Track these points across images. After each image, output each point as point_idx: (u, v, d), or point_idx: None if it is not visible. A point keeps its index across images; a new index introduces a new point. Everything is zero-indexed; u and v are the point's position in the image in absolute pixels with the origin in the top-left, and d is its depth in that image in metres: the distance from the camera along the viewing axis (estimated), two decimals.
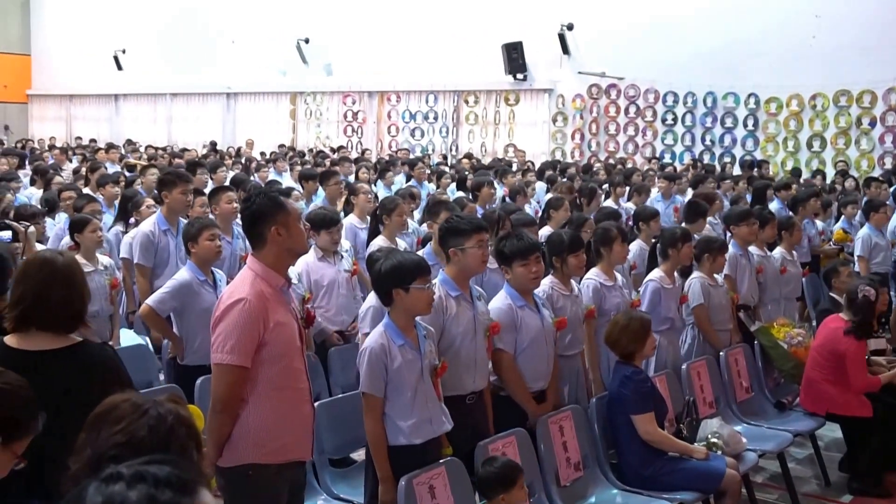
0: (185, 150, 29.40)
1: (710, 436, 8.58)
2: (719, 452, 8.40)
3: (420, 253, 8.88)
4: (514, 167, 23.85)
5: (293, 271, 9.21)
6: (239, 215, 11.33)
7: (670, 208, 17.32)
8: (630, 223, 13.90)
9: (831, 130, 26.16)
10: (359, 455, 7.91)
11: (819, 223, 16.04)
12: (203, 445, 3.64)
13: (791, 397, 10.57)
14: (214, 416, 5.73)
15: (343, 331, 10.19)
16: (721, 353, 10.33)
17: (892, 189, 17.98)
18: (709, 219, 13.99)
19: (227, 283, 8.90)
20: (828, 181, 22.24)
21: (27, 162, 24.88)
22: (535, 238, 9.17)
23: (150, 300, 8.94)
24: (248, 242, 10.90)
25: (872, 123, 25.55)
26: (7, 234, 8.69)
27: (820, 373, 9.93)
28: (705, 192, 16.49)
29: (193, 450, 3.39)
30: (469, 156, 28.53)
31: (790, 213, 14.65)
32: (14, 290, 5.31)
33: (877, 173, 22.47)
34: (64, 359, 5.12)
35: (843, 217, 16.51)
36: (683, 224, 12.96)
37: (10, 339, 5.17)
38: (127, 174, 18.24)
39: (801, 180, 22.06)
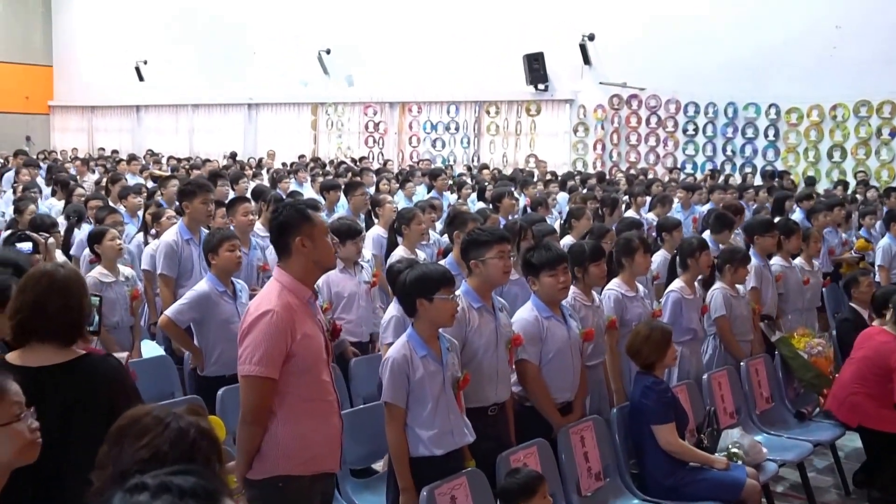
0: (207, 160, 29.51)
1: (730, 446, 8.58)
2: (740, 462, 8.40)
3: (442, 263, 8.87)
4: (536, 177, 23.86)
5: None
6: (255, 226, 11.48)
7: (689, 219, 17.30)
8: (653, 233, 13.89)
9: (852, 141, 26.12)
10: (380, 466, 7.91)
11: (842, 234, 16.00)
12: (224, 457, 3.59)
13: (811, 407, 10.56)
14: (244, 428, 5.74)
15: (362, 342, 10.20)
16: (742, 364, 10.32)
17: None
18: None
19: (248, 293, 9.00)
20: (849, 191, 22.15)
21: (46, 172, 24.95)
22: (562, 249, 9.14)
23: (169, 311, 8.96)
24: (266, 253, 11.05)
25: (892, 134, 25.50)
26: (28, 246, 8.59)
27: (862, 385, 9.78)
28: (732, 203, 16.45)
29: (216, 462, 3.40)
30: (486, 166, 28.52)
31: (810, 223, 14.61)
32: (14, 301, 5.25)
33: None
34: (66, 374, 5.09)
35: (863, 227, 16.48)
36: (707, 234, 12.99)
37: (11, 357, 5.13)
38: (150, 185, 18.25)
39: (823, 190, 22.04)
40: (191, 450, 3.33)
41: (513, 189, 17.16)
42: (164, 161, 30.66)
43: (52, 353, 5.11)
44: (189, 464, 3.12)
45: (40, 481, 4.71)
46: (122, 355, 5.92)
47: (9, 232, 10.82)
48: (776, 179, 24.42)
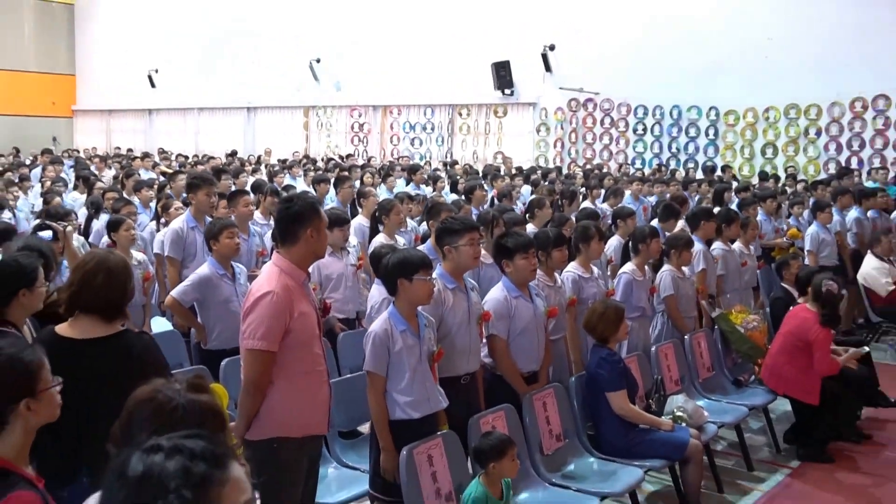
0: (210, 158, 29.62)
1: (675, 410, 8.62)
2: (684, 424, 8.44)
3: (421, 248, 8.86)
4: (503, 172, 23.87)
5: None
6: (254, 215, 11.47)
7: (640, 208, 17.32)
8: (608, 221, 13.91)
9: (782, 139, 26.20)
10: (364, 428, 7.89)
11: (774, 222, 16.04)
12: (227, 423, 3.60)
13: (747, 375, 10.72)
14: (246, 396, 5.77)
15: (349, 318, 10.19)
16: (686, 337, 10.41)
17: (832, 191, 17.95)
18: None
19: (246, 276, 9.00)
20: (780, 184, 22.22)
21: (74, 167, 24.99)
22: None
23: (174, 292, 9.04)
24: (263, 239, 11.01)
25: (818, 133, 25.58)
26: (48, 234, 8.79)
27: (786, 357, 9.96)
28: (678, 195, 16.49)
29: (220, 432, 3.39)
30: (456, 162, 28.93)
31: (746, 212, 14.64)
32: (69, 278, 5.53)
33: (822, 177, 22.46)
34: (106, 346, 5.18)
35: (792, 216, 16.53)
36: (656, 222, 13.01)
37: (60, 328, 5.27)
38: (161, 179, 18.20)
39: (757, 184, 22.10)
40: (198, 426, 3.26)
41: (483, 182, 17.13)
42: (172, 158, 30.57)
43: (95, 327, 5.25)
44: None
45: (78, 443, 4.72)
46: None
47: (37, 221, 10.85)
48: (718, 173, 24.60)
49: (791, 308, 10.45)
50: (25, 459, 3.82)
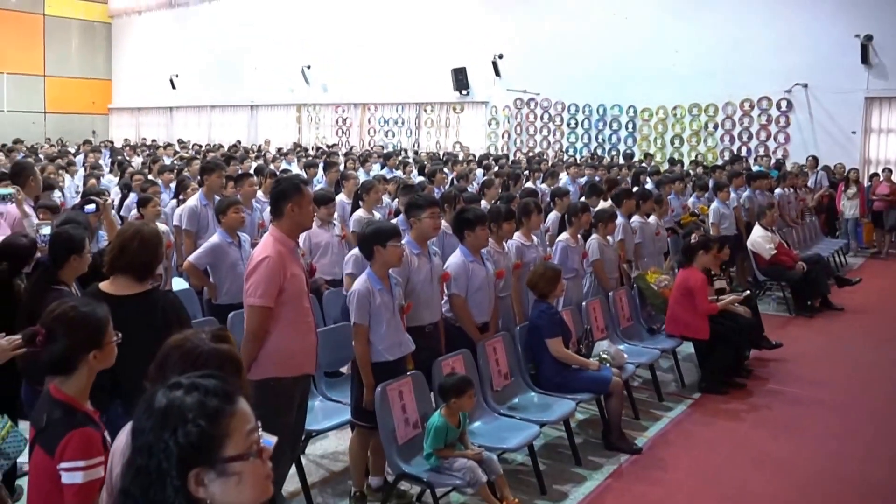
0: (220, 146, 29.60)
1: (601, 353, 8.64)
2: (608, 365, 8.46)
3: (393, 222, 8.86)
4: (461, 158, 23.88)
5: None
6: (257, 194, 11.48)
7: (576, 188, 17.29)
8: (547, 199, 13.90)
9: (687, 132, 26.31)
10: (345, 369, 7.86)
11: (681, 199, 16.10)
12: (244, 368, 3.64)
13: (658, 325, 10.81)
14: (248, 344, 5.77)
15: (335, 279, 10.12)
16: (610, 294, 10.46)
17: (727, 173, 18.10)
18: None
19: (250, 243, 8.96)
20: (684, 169, 22.36)
21: (110, 155, 25.09)
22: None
23: (191, 257, 9.06)
24: (264, 214, 10.98)
25: (715, 127, 25.76)
26: (92, 206, 8.90)
27: (678, 305, 10.29)
28: (612, 178, 16.50)
29: (236, 373, 3.41)
30: (416, 152, 29.24)
31: (659, 191, 14.70)
32: (111, 244, 5.70)
33: (719, 163, 22.61)
34: (139, 302, 5.25)
35: (694, 194, 16.59)
36: (583, 199, 13.01)
37: (103, 286, 5.37)
38: (178, 164, 18.09)
39: (666, 169, 22.17)
40: (218, 369, 3.26)
41: (443, 167, 17.09)
42: (189, 147, 30.47)
43: (130, 285, 5.33)
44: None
45: (115, 380, 4.72)
46: None
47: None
48: (638, 159, 24.82)
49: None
50: (86, 397, 3.88)
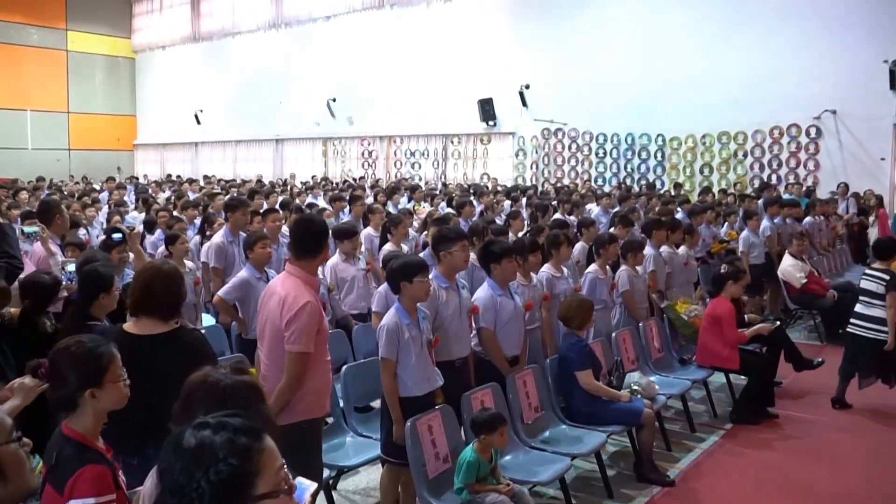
0: (245, 181, 29.66)
1: (632, 384, 8.66)
2: (639, 396, 8.49)
3: (421, 255, 8.91)
4: (489, 188, 23.94)
5: (319, 269, 9.36)
6: (282, 229, 11.51)
7: (607, 218, 17.27)
8: (575, 230, 13.93)
9: (716, 161, 26.28)
10: (376, 404, 7.91)
11: (713, 228, 16.11)
12: (266, 396, 3.68)
13: (689, 355, 10.78)
14: (287, 391, 5.67)
15: (362, 313, 10.20)
16: (640, 324, 10.46)
17: (760, 202, 18.05)
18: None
19: None
20: (715, 198, 22.33)
21: (135, 191, 25.23)
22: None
23: (220, 292, 9.14)
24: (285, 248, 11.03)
25: (745, 155, 25.70)
26: (118, 235, 9.20)
27: (707, 335, 10.33)
28: (667, 210, 16.48)
29: (260, 403, 3.46)
30: (444, 184, 29.34)
31: (690, 221, 14.74)
32: (132, 286, 5.57)
33: (748, 192, 22.58)
34: (164, 342, 5.20)
35: (726, 223, 16.59)
36: (612, 230, 13.05)
37: (127, 326, 5.33)
38: (205, 200, 18.20)
39: (697, 198, 22.13)
40: (244, 399, 3.36)
41: (472, 199, 17.16)
42: (215, 182, 30.62)
43: (155, 325, 5.26)
44: (243, 408, 3.18)
45: (146, 420, 4.77)
46: None
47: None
48: (665, 189, 24.74)
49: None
50: (97, 435, 3.88)
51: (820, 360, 11.29)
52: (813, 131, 24.37)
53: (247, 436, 2.36)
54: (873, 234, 20.38)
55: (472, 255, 9.23)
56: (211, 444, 2.30)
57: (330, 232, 6.08)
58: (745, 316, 11.06)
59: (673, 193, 23.09)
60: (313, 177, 32.06)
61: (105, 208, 19.24)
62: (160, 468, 2.36)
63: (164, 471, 2.33)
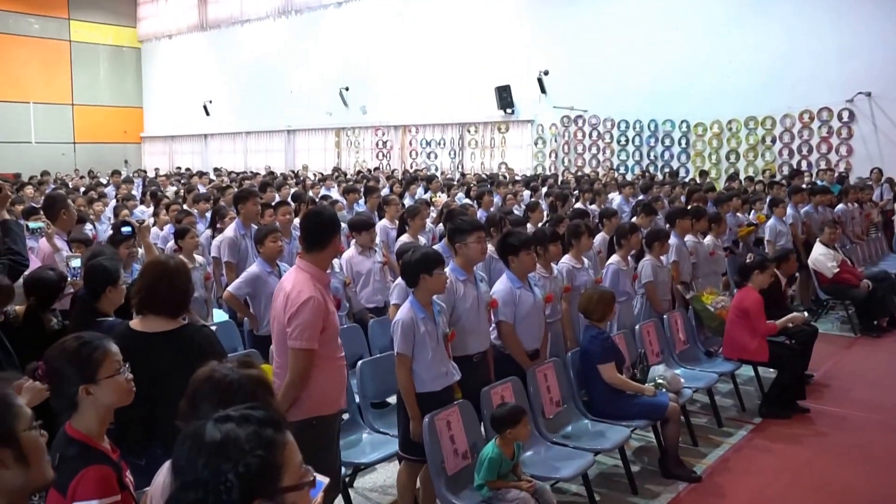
0: (256, 174, 29.69)
1: (657, 378, 8.67)
2: (664, 390, 8.50)
3: (436, 247, 8.94)
4: (507, 179, 23.96)
5: (336, 262, 9.43)
6: (294, 222, 11.55)
7: (629, 207, 17.29)
8: (596, 220, 13.95)
9: (743, 147, 26.26)
10: (392, 399, 7.95)
11: (739, 215, 16.11)
12: (274, 391, 3.71)
13: (716, 347, 10.80)
14: (292, 388, 5.71)
15: (378, 307, 10.27)
16: (664, 316, 10.50)
17: (788, 189, 18.01)
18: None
19: None
20: (742, 185, 22.30)
21: (142, 185, 25.30)
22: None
23: (231, 288, 9.20)
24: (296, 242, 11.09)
25: (773, 141, 25.67)
26: (128, 229, 9.23)
27: (734, 327, 10.33)
28: (653, 196, 16.56)
29: (269, 398, 3.49)
30: (462, 174, 29.24)
31: (716, 210, 14.75)
32: (137, 283, 5.50)
33: (777, 178, 22.55)
34: (172, 339, 5.21)
35: (753, 211, 16.61)
36: (634, 219, 13.09)
37: (133, 324, 5.33)
38: (216, 193, 18.24)
39: (723, 186, 22.09)
40: (251, 394, 3.40)
41: (491, 189, 17.18)
42: (225, 175, 30.68)
43: (162, 323, 5.26)
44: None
45: (150, 419, 4.83)
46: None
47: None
48: (691, 177, 24.68)
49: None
50: (101, 435, 3.89)
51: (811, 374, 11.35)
52: (846, 115, 24.25)
53: (272, 428, 2.39)
54: None
55: (490, 247, 9.26)
56: (237, 437, 2.32)
57: (342, 224, 6.06)
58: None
59: (698, 181, 23.05)
60: (334, 169, 32.18)
61: (112, 203, 19.29)
62: (177, 464, 2.38)
63: (184, 466, 2.34)
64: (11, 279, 6.70)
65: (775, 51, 24.54)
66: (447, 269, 7.16)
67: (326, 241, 5.98)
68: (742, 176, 24.78)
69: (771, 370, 10.42)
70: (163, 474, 3.52)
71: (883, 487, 8.12)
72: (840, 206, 17.74)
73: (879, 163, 23.15)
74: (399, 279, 8.18)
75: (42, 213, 9.65)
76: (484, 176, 27.10)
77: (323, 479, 2.51)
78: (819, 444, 9.23)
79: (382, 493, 7.86)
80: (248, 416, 2.39)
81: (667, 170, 27.30)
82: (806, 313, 11.13)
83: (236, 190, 15.26)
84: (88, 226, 12.79)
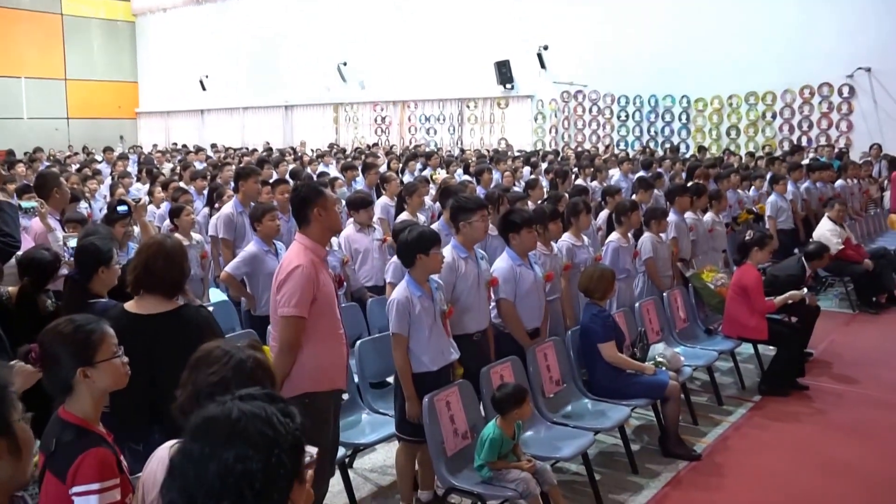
0: (254, 150, 29.67)
1: (657, 356, 8.71)
2: (664, 368, 8.54)
3: (434, 225, 8.93)
4: (509, 155, 23.96)
5: (334, 240, 9.40)
6: None
7: (628, 183, 17.29)
8: (597, 197, 13.95)
9: (744, 122, 26.30)
10: (391, 379, 7.94)
11: (739, 191, 16.12)
12: (276, 379, 3.66)
13: (716, 325, 10.85)
14: (281, 357, 5.72)
15: (377, 285, 10.21)
16: (664, 294, 10.52)
17: (787, 166, 17.99)
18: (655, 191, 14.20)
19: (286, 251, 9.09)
20: (742, 161, 22.36)
21: (137, 162, 25.15)
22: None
23: (228, 268, 9.16)
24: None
25: (774, 116, 25.73)
26: (124, 208, 9.21)
27: (733, 304, 10.34)
28: (655, 173, 16.57)
29: (269, 384, 3.44)
30: (461, 150, 29.15)
31: (717, 186, 14.77)
32: (133, 262, 5.48)
33: (777, 154, 22.59)
34: (168, 320, 5.20)
35: (752, 187, 16.63)
36: (634, 195, 13.10)
37: (128, 305, 5.30)
38: (212, 170, 18.16)
39: (723, 162, 22.08)
40: (250, 376, 3.40)
41: (490, 166, 17.14)
42: (222, 150, 30.60)
43: (158, 303, 5.26)
44: (247, 385, 3.21)
45: (151, 402, 4.81)
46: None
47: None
48: (701, 153, 24.68)
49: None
50: (97, 419, 3.85)
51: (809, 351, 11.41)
52: (846, 90, 24.30)
53: (275, 404, 2.38)
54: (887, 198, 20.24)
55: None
56: (280, 422, 2.32)
57: (324, 197, 5.98)
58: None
59: (698, 157, 23.01)
60: (332, 145, 32.17)
61: (108, 180, 19.19)
62: (191, 455, 2.28)
63: (205, 457, 2.24)
64: (2, 261, 6.65)
65: (776, 26, 24.51)
66: (449, 247, 7.22)
67: (308, 215, 5.99)
68: (742, 152, 24.85)
69: (771, 348, 10.42)
70: (155, 461, 3.50)
71: (881, 464, 8.13)
72: (839, 181, 17.77)
73: (879, 139, 23.22)
74: (395, 257, 8.19)
75: (34, 191, 9.54)
76: (484, 152, 27.07)
77: (312, 449, 2.48)
78: (818, 422, 9.27)
79: (382, 474, 7.87)
80: (252, 395, 2.40)
81: (667, 145, 27.32)
82: (806, 290, 11.15)
83: (234, 167, 15.21)
84: (83, 204, 12.73)
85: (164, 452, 3.43)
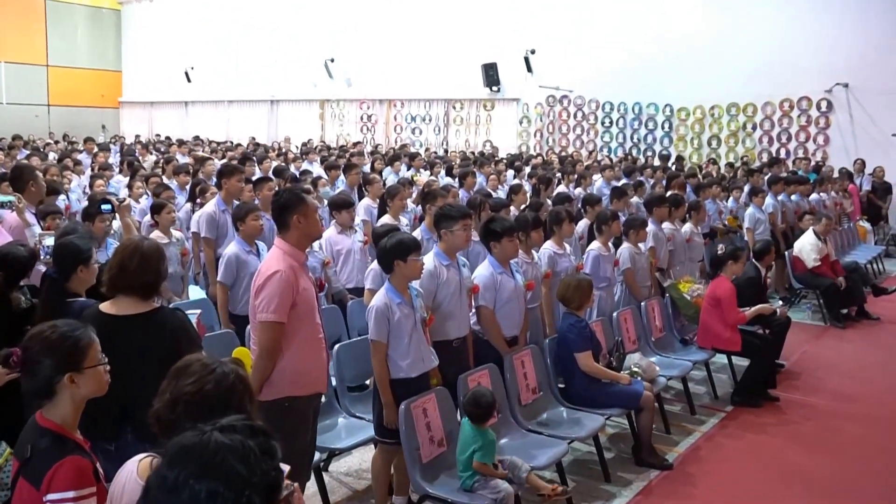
0: (238, 144, 29.59)
1: (632, 366, 8.78)
2: (639, 378, 8.60)
3: (416, 230, 8.96)
4: (495, 158, 23.95)
5: (315, 242, 9.36)
6: None
7: (610, 190, 17.30)
8: (578, 205, 13.98)
9: (725, 133, 26.45)
10: (370, 382, 7.97)
11: (719, 202, 16.22)
12: (255, 394, 3.64)
13: (691, 335, 10.94)
14: (261, 362, 5.74)
15: (357, 287, 10.14)
16: (642, 303, 10.59)
17: (767, 177, 18.07)
18: (634, 199, 14.27)
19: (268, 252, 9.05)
20: (721, 171, 22.51)
21: (119, 153, 24.85)
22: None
23: (220, 278, 9.00)
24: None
25: (754, 128, 25.90)
26: (108, 206, 9.03)
27: (708, 316, 10.48)
28: (680, 183, 16.56)
29: (247, 402, 3.44)
30: (445, 151, 29.44)
31: (696, 197, 14.84)
32: (109, 262, 5.46)
33: (756, 166, 22.69)
34: (143, 322, 5.15)
35: (731, 198, 16.74)
36: (612, 203, 13.19)
37: (104, 306, 5.24)
38: (194, 165, 18.06)
39: (702, 174, 22.13)
40: (229, 390, 3.39)
41: (474, 170, 17.12)
42: (205, 144, 30.42)
43: (134, 305, 5.19)
44: (227, 401, 3.27)
45: (122, 405, 4.77)
46: (194, 312, 5.99)
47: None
48: (678, 162, 24.70)
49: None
50: (75, 426, 3.82)
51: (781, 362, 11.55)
52: (824, 104, 24.55)
53: (257, 437, 2.38)
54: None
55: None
56: (251, 451, 2.31)
57: (305, 204, 5.98)
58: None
59: (677, 167, 23.04)
60: (310, 141, 32.12)
61: (88, 171, 18.99)
62: (165, 481, 2.27)
63: (178, 486, 2.24)
64: None
65: (759, 39, 24.66)
66: (431, 254, 7.27)
67: (288, 221, 6.00)
68: (723, 162, 25.01)
69: (744, 359, 10.53)
70: (124, 473, 3.47)
71: (848, 475, 8.29)
72: (814, 195, 17.90)
73: (855, 153, 23.59)
74: (374, 263, 8.20)
75: (10, 184, 9.41)
76: (469, 155, 27.09)
77: (284, 467, 2.44)
78: (788, 433, 9.40)
79: (357, 478, 7.90)
80: (234, 426, 2.38)
81: (650, 153, 27.45)
82: (780, 302, 11.22)
83: (217, 163, 15.13)
84: (62, 196, 12.58)
85: (132, 466, 3.42)
